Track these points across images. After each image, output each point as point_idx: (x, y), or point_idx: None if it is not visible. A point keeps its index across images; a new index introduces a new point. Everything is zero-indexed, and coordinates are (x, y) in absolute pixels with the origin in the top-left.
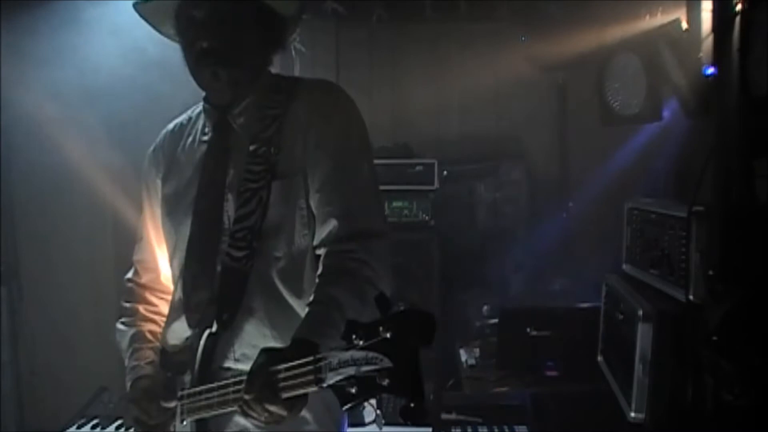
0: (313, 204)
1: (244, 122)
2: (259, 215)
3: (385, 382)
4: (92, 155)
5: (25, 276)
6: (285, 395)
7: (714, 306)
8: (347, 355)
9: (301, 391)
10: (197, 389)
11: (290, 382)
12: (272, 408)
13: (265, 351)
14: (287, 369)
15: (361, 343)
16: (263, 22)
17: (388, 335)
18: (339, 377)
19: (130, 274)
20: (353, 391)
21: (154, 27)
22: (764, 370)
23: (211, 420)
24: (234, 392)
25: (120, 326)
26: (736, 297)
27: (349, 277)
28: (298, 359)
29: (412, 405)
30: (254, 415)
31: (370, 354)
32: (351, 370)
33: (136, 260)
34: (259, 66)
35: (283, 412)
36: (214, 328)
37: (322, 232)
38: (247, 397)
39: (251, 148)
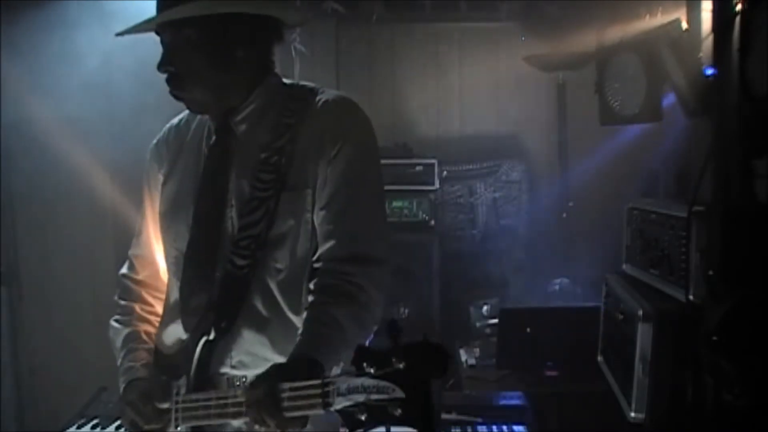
0: (316, 220)
1: (246, 129)
2: (265, 225)
3: (398, 413)
4: (92, 155)
5: (25, 276)
6: (289, 414)
7: (714, 306)
8: (358, 381)
9: (307, 413)
10: (193, 396)
11: (296, 402)
12: (272, 422)
13: (275, 366)
14: (293, 389)
15: (372, 371)
16: (227, 36)
17: (401, 366)
18: (347, 403)
19: (125, 270)
20: (362, 417)
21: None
22: (764, 370)
23: (206, 425)
24: (233, 405)
25: (115, 324)
26: (736, 297)
27: (348, 300)
28: (305, 379)
29: None
30: (251, 420)
31: (382, 383)
32: (360, 397)
33: (133, 255)
34: (239, 78)
35: (280, 429)
36: (211, 336)
37: (321, 249)
38: (244, 401)
39: (262, 156)
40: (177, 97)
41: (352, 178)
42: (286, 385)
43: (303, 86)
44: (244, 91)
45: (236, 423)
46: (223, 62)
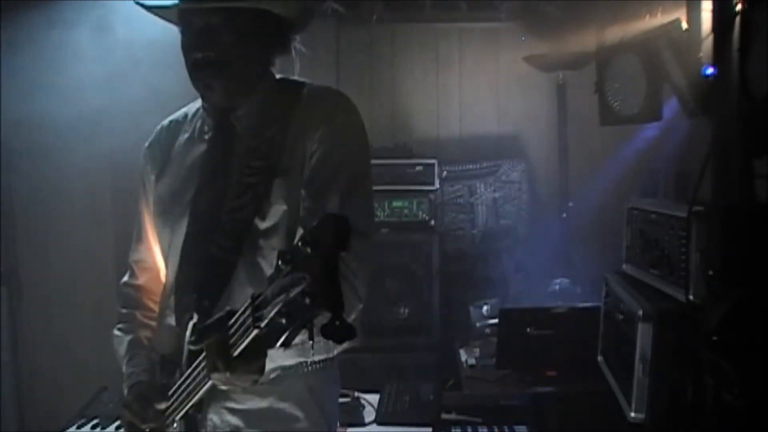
0: (301, 201)
1: (247, 124)
2: (252, 210)
3: (306, 300)
4: (93, 155)
5: (25, 276)
6: (235, 351)
7: (714, 306)
8: (277, 284)
9: (246, 340)
10: (177, 384)
11: (236, 335)
12: (221, 365)
13: (227, 311)
14: (235, 321)
15: (288, 268)
16: (263, 27)
17: (308, 250)
18: (274, 310)
19: (126, 278)
20: (283, 321)
21: (162, 17)
22: (764, 370)
23: (200, 421)
24: (202, 369)
25: (117, 333)
26: (736, 297)
27: None
28: None
29: (337, 323)
30: (209, 369)
31: (296, 275)
32: (282, 298)
33: (133, 261)
34: (258, 72)
35: (234, 375)
36: (195, 318)
37: (302, 226)
38: (192, 347)
39: (252, 144)
40: (207, 86)
41: (334, 157)
42: (231, 321)
43: (293, 80)
44: (250, 86)
45: (233, 420)
46: (254, 54)
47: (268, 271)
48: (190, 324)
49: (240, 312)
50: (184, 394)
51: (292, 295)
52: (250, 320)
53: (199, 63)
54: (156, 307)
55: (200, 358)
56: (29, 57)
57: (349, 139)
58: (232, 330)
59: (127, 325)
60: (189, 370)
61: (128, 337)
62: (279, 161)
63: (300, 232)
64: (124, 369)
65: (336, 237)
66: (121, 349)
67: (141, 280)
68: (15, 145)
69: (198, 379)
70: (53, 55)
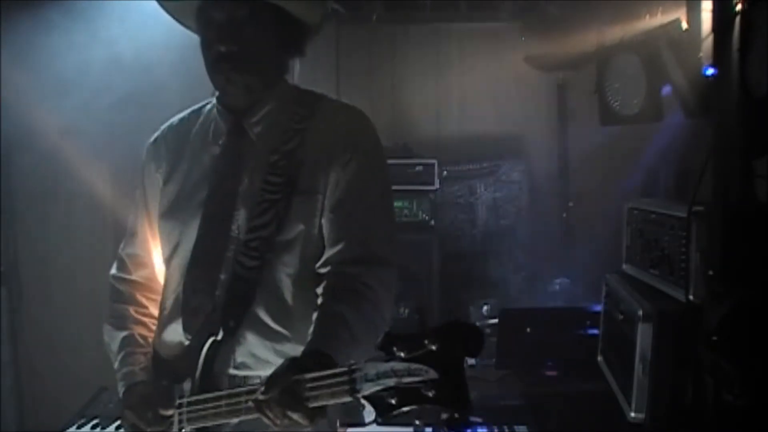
0: (325, 223)
1: (261, 131)
2: (275, 227)
3: (431, 393)
4: (92, 156)
5: (25, 276)
6: (312, 404)
7: (714, 306)
8: (387, 366)
9: (333, 401)
10: (201, 397)
11: (320, 392)
12: (294, 415)
13: (290, 359)
14: (315, 379)
15: (402, 354)
16: (283, 29)
17: (433, 347)
18: (377, 388)
19: (116, 270)
20: (393, 401)
21: (177, 19)
22: (764, 370)
23: (211, 427)
24: (246, 401)
25: (108, 327)
26: (736, 297)
27: (356, 297)
28: (320, 370)
29: (456, 416)
30: (271, 417)
31: (414, 366)
32: (391, 381)
33: (126, 254)
34: (276, 72)
35: (305, 421)
36: (219, 336)
37: (329, 252)
38: (262, 397)
39: (272, 159)
40: (228, 79)
41: (362, 183)
42: (307, 375)
43: (309, 92)
44: (268, 85)
45: (235, 420)
46: (274, 52)
47: (279, 286)
48: (210, 340)
49: (329, 373)
50: (210, 411)
51: (405, 381)
52: (345, 387)
53: (222, 56)
54: (149, 304)
55: (243, 389)
56: (29, 57)
57: (376, 165)
58: (311, 385)
59: (120, 321)
60: (225, 393)
61: (122, 334)
62: (298, 178)
63: (332, 252)
64: (116, 365)
65: (470, 345)
66: (114, 344)
67: (135, 275)
68: (15, 144)
69: (238, 407)
70: (54, 55)
